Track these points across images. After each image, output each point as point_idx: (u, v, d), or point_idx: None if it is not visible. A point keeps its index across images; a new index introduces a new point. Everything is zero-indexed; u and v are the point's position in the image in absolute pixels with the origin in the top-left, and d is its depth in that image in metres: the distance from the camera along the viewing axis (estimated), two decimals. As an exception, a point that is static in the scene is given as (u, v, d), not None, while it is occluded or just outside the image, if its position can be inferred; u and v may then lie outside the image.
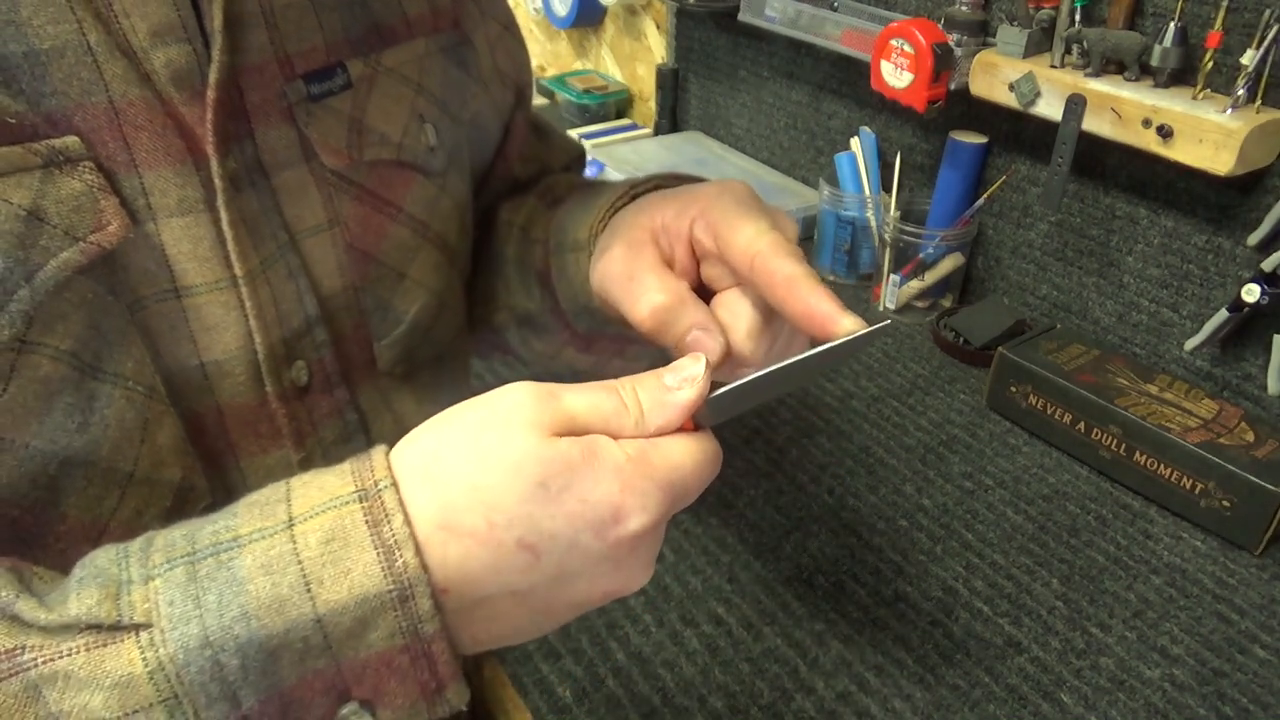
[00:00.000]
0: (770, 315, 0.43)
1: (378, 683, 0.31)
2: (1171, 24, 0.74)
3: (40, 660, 0.28)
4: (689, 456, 0.34)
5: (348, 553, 0.30)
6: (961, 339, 0.91)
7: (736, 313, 0.43)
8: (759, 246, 0.40)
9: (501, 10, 0.57)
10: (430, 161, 0.49)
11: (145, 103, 0.36)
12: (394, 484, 0.31)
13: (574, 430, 0.33)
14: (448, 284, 0.51)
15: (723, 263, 0.42)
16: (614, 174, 1.22)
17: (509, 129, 0.60)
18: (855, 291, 1.04)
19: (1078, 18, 0.79)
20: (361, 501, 0.31)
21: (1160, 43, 0.74)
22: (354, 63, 0.44)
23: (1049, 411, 0.79)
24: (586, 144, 1.38)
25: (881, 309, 1.00)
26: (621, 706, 0.57)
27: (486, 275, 0.60)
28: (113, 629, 0.29)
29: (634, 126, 1.47)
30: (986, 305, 0.95)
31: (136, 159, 0.36)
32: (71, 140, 0.34)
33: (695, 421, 0.36)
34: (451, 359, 0.53)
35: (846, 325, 0.38)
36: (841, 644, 0.61)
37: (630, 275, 0.43)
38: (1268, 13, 0.70)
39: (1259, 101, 0.70)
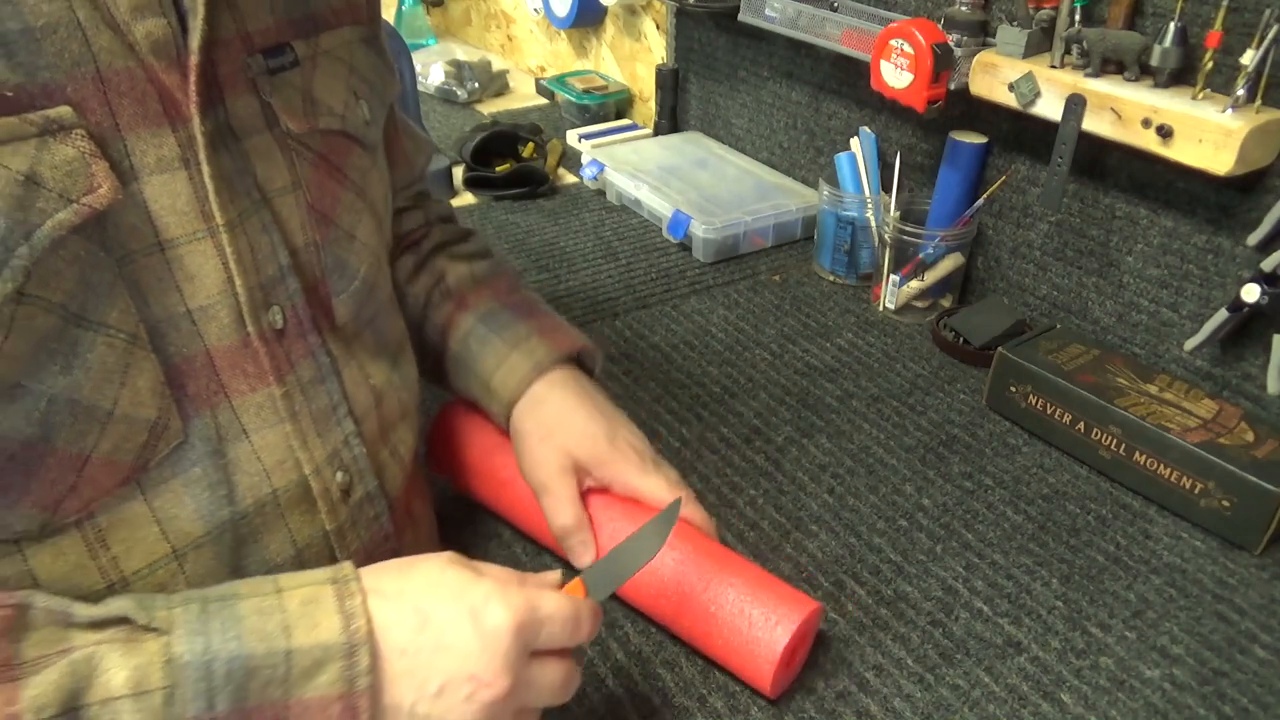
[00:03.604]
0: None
1: None
2: (1171, 24, 0.74)
3: (84, 645, 0.37)
4: (556, 598, 0.46)
5: (318, 613, 0.40)
6: (961, 339, 0.91)
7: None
8: (661, 494, 0.62)
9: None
10: (367, 134, 0.54)
11: (129, 72, 0.39)
12: (358, 578, 0.43)
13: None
14: (382, 247, 0.57)
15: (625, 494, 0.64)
16: (614, 174, 1.22)
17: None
18: (855, 292, 1.04)
19: (1078, 18, 0.79)
20: (333, 585, 0.42)
21: (1160, 43, 0.74)
22: (298, 43, 0.49)
23: (1049, 411, 0.79)
24: (587, 144, 1.38)
25: (881, 309, 1.00)
26: (621, 706, 0.57)
27: None
28: (143, 628, 0.38)
29: (634, 126, 1.47)
30: (986, 305, 0.95)
31: (120, 123, 0.39)
32: (64, 110, 0.37)
33: (591, 596, 0.50)
34: (385, 319, 0.58)
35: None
36: (841, 644, 0.61)
37: (555, 492, 0.62)
38: (1268, 13, 0.70)
39: (1259, 101, 0.70)
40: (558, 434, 0.62)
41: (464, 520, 0.71)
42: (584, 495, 0.63)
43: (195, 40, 0.41)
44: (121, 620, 0.38)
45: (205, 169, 0.42)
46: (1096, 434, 0.76)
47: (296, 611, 0.40)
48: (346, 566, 0.43)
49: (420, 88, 1.57)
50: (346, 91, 0.52)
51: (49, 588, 0.40)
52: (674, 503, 0.55)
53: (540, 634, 0.45)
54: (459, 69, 1.63)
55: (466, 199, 1.26)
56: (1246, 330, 0.78)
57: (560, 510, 0.61)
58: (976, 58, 0.85)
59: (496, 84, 1.66)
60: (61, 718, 0.35)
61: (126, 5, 0.39)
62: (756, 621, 0.55)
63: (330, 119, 0.50)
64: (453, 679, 0.42)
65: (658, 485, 0.62)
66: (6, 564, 0.39)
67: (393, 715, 0.42)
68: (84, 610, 0.38)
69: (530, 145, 1.30)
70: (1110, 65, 0.78)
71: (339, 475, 0.50)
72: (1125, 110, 0.75)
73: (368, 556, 0.52)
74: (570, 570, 0.62)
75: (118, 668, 0.36)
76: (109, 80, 0.39)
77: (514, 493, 0.66)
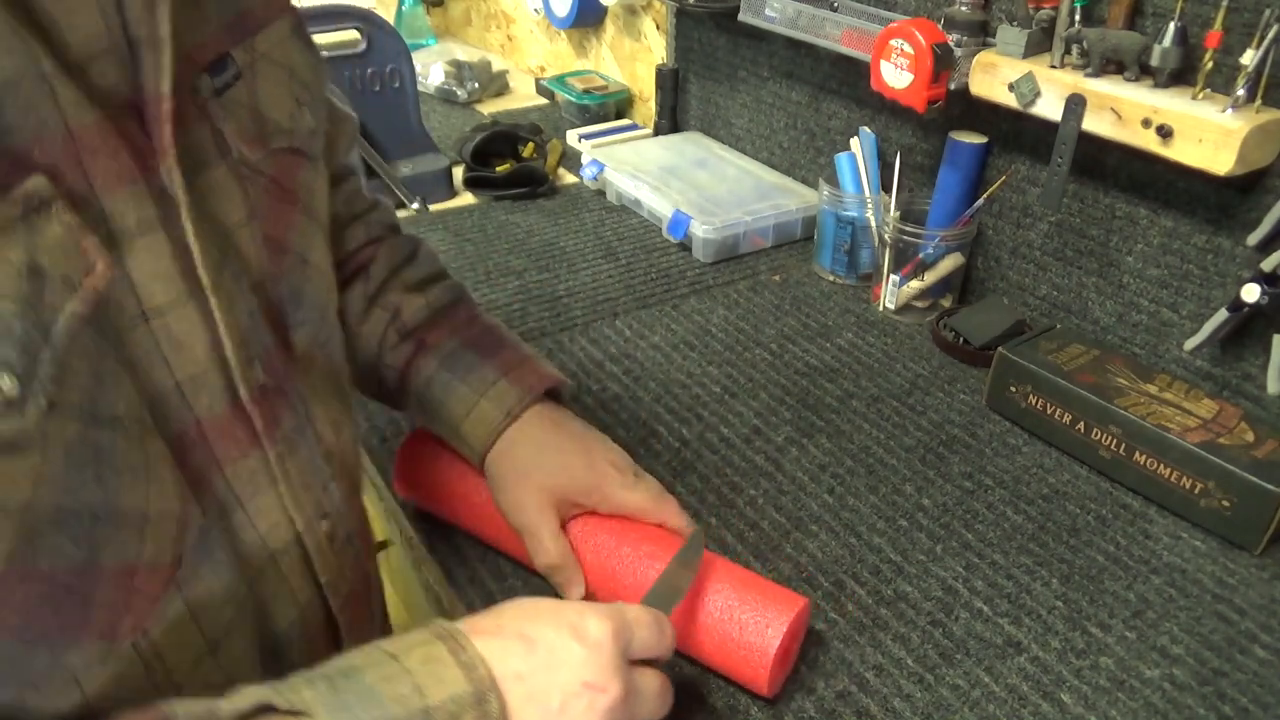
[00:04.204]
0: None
1: None
2: (1171, 24, 0.74)
3: None
4: (636, 607, 0.49)
5: (441, 669, 0.40)
6: (961, 339, 0.91)
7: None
8: (647, 505, 0.62)
9: None
10: (312, 145, 0.50)
11: (97, 125, 0.34)
12: (460, 630, 0.43)
13: None
14: (331, 266, 0.53)
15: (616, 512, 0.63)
16: (614, 174, 1.22)
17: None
18: (855, 292, 1.04)
19: (1078, 18, 0.79)
20: (442, 641, 0.42)
21: (1160, 43, 0.74)
22: (236, 51, 0.43)
23: (1049, 411, 0.79)
24: (587, 144, 1.38)
25: (881, 309, 1.00)
26: (621, 706, 0.57)
27: None
28: (287, 713, 0.37)
29: (634, 126, 1.47)
30: (986, 305, 0.95)
31: (95, 185, 0.34)
32: (40, 181, 0.32)
33: None
34: (334, 343, 0.54)
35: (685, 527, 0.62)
36: (841, 644, 0.61)
37: (537, 532, 0.61)
38: (1268, 13, 0.70)
39: (1259, 101, 0.70)
40: (535, 474, 0.62)
41: (446, 535, 0.71)
42: (564, 524, 0.62)
43: (165, 83, 0.36)
44: (263, 709, 0.37)
45: (189, 228, 0.37)
46: (1096, 434, 0.76)
47: (421, 671, 0.40)
48: (442, 622, 0.43)
49: (420, 88, 1.56)
50: (290, 100, 0.48)
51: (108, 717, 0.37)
52: (696, 533, 0.58)
53: (634, 639, 0.46)
54: (459, 69, 1.63)
55: (466, 199, 1.26)
56: (1246, 330, 0.78)
57: (544, 549, 0.61)
58: (976, 58, 0.85)
59: (496, 84, 1.66)
60: None
61: (80, 47, 0.34)
62: (747, 625, 0.55)
63: (280, 136, 0.46)
64: (570, 692, 0.42)
65: (642, 499, 0.62)
66: (59, 701, 0.35)
67: None
68: (228, 707, 0.37)
69: (530, 145, 1.30)
70: (1110, 65, 0.78)
71: (324, 524, 0.47)
72: (1125, 110, 0.75)
73: (353, 601, 0.50)
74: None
75: None
76: (80, 137, 0.33)
77: (492, 513, 0.64)
